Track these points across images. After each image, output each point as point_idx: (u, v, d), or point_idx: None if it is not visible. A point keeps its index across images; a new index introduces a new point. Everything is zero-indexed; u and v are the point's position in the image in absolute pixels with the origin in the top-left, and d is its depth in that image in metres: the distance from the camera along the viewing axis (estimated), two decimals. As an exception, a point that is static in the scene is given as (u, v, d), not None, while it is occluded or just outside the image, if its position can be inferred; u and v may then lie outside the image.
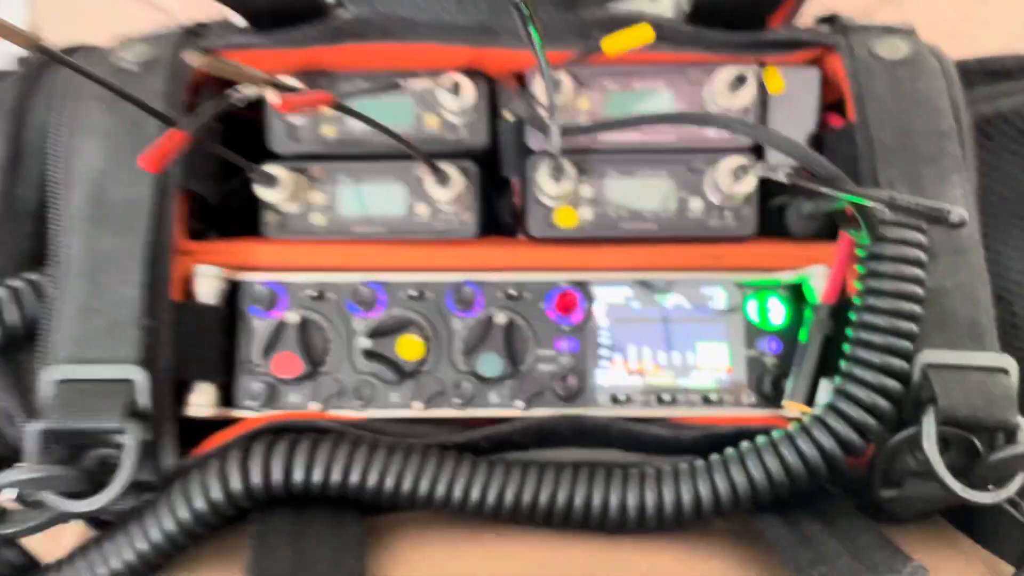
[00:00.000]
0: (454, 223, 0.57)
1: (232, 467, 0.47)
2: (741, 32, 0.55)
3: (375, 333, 0.54)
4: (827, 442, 0.46)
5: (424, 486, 0.47)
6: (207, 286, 0.53)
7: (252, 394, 0.54)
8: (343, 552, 0.47)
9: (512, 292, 0.55)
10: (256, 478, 0.47)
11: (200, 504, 0.46)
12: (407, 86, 0.55)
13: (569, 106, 0.56)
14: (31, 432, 0.46)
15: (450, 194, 0.55)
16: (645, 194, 0.57)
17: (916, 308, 0.47)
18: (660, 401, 0.54)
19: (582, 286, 0.55)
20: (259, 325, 0.54)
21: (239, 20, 0.59)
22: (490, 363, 0.53)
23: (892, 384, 0.46)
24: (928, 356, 0.47)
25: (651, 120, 0.50)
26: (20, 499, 0.48)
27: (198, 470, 0.47)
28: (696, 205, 0.56)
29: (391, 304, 0.55)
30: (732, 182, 0.54)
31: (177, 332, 0.50)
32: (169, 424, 0.49)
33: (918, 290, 0.47)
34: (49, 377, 0.48)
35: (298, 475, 0.47)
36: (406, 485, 0.47)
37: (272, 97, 0.40)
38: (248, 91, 0.43)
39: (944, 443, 0.47)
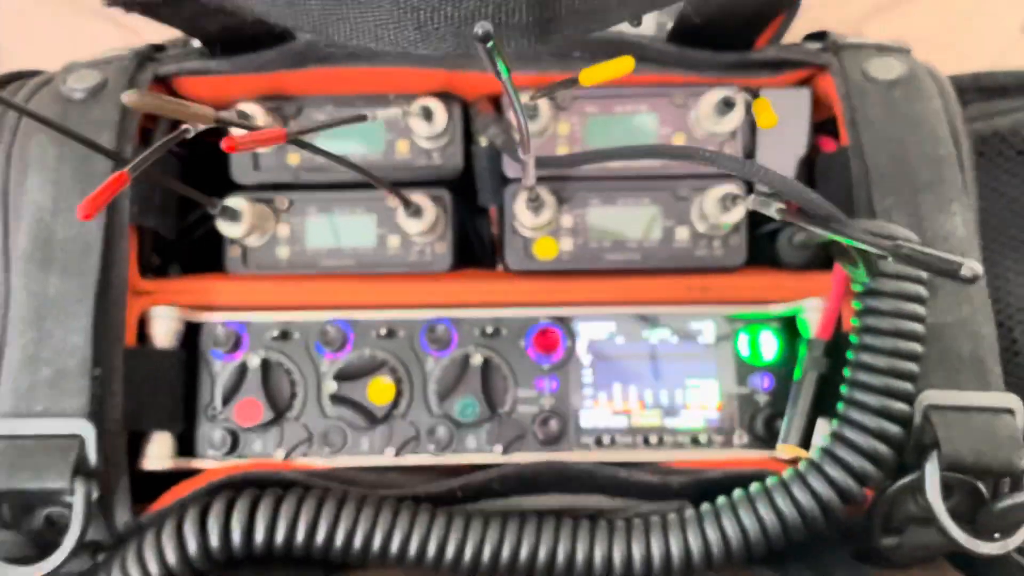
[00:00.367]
0: (427, 255, 0.54)
1: (189, 528, 0.44)
2: (728, 52, 0.52)
3: (344, 376, 0.51)
4: (824, 491, 0.43)
5: (395, 544, 0.44)
6: (163, 328, 0.50)
7: (213, 443, 0.50)
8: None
9: (489, 329, 0.52)
10: (215, 540, 0.44)
11: (155, 569, 0.43)
12: (374, 116, 0.52)
13: (548, 131, 0.53)
14: (-30, 494, 0.43)
15: (422, 225, 0.52)
16: (629, 223, 0.54)
17: (917, 347, 0.44)
18: (647, 443, 0.51)
19: (563, 322, 0.52)
20: (220, 369, 0.51)
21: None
22: (467, 406, 0.50)
23: (892, 428, 0.44)
24: (930, 397, 0.45)
25: (632, 153, 0.47)
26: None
27: (153, 531, 0.44)
28: (683, 234, 0.54)
29: (361, 344, 0.52)
30: (720, 212, 0.51)
31: (131, 380, 0.47)
32: (122, 480, 0.46)
33: (918, 328, 0.44)
34: (-9, 433, 0.44)
35: (260, 535, 0.44)
36: (376, 543, 0.44)
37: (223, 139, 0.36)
38: (197, 125, 0.40)
39: (947, 489, 0.44)
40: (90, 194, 0.35)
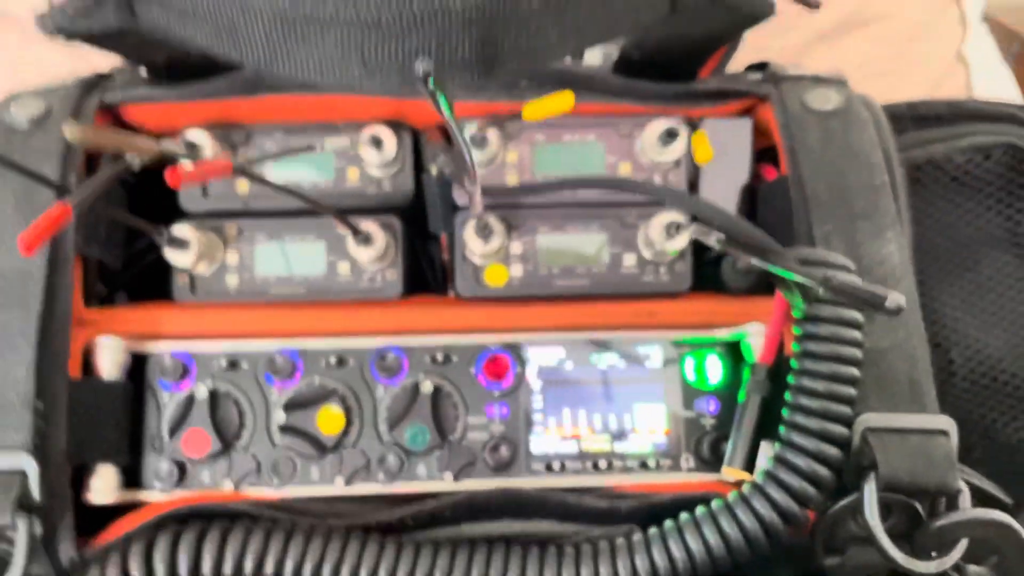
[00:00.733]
0: (378, 282, 0.54)
1: (134, 565, 0.43)
2: (671, 83, 0.53)
3: (293, 405, 0.51)
4: (767, 513, 0.44)
5: (345, 575, 0.44)
6: (109, 360, 0.49)
7: (160, 475, 0.50)
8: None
9: (439, 357, 0.52)
10: (161, 575, 0.43)
11: (99, 606, 0.43)
12: (322, 146, 0.52)
13: (497, 159, 0.54)
14: (-95, 532, 0.42)
15: (373, 252, 0.53)
16: (578, 249, 0.55)
17: (854, 371, 0.45)
18: (596, 468, 0.52)
19: (513, 348, 0.53)
20: (167, 399, 0.51)
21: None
22: (417, 434, 0.50)
23: (831, 451, 0.45)
24: (868, 420, 0.46)
25: (577, 184, 0.48)
26: None
27: (97, 568, 0.43)
28: (630, 260, 0.55)
29: (310, 373, 0.52)
30: (665, 238, 0.52)
31: (75, 412, 0.46)
32: (66, 515, 0.45)
33: (856, 352, 0.46)
34: (-71, 468, 0.43)
35: (207, 569, 0.43)
36: (325, 574, 0.44)
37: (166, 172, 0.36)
38: (140, 158, 0.40)
39: (886, 509, 0.45)
40: (29, 227, 0.35)
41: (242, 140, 0.54)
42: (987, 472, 0.55)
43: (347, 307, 0.54)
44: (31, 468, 0.43)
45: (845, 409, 0.45)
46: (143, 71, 0.56)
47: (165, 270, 0.54)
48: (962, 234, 0.61)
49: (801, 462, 0.45)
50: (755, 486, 0.45)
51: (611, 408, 0.53)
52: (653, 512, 0.48)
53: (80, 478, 0.48)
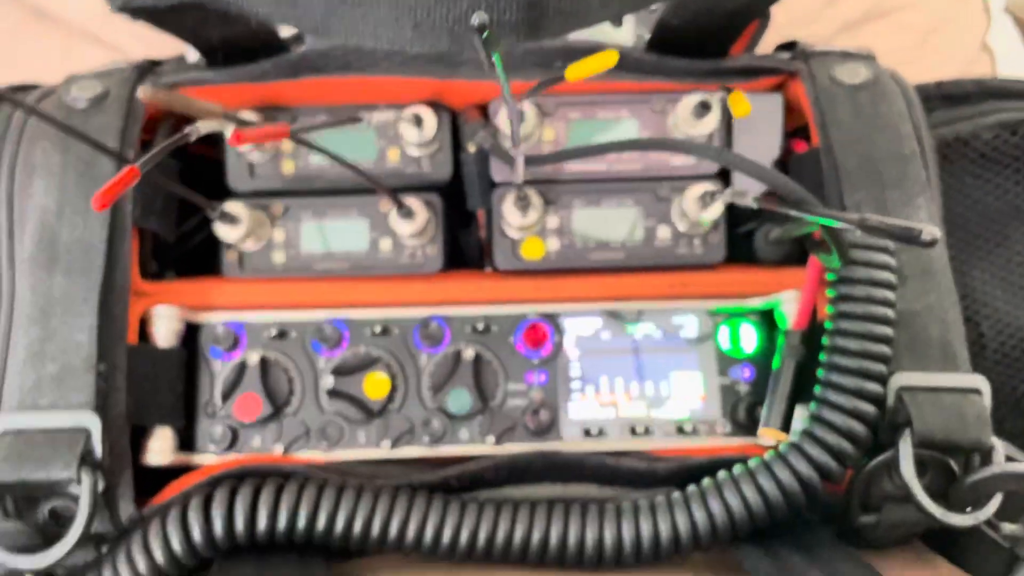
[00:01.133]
0: (419, 257, 0.56)
1: (193, 516, 0.45)
2: (703, 60, 0.55)
3: (340, 371, 0.52)
4: (804, 469, 0.45)
5: (394, 529, 0.45)
6: (165, 328, 0.51)
7: (213, 438, 0.52)
8: (310, 601, 0.45)
9: (480, 326, 0.54)
10: (218, 527, 0.45)
11: (160, 556, 0.44)
12: (369, 119, 0.54)
13: (533, 136, 0.56)
14: (-23, 486, 0.44)
15: (414, 228, 0.54)
16: (612, 223, 0.56)
17: (888, 331, 0.47)
18: (634, 433, 0.53)
19: (551, 318, 0.54)
20: (219, 367, 0.53)
21: (194, 56, 0.58)
22: (459, 399, 0.52)
23: (867, 408, 0.46)
24: (902, 379, 0.47)
25: (617, 147, 0.49)
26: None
27: (157, 520, 0.45)
28: (664, 233, 0.56)
29: (356, 342, 0.53)
30: (699, 209, 0.54)
31: (133, 376, 0.48)
32: (126, 473, 0.47)
33: (889, 312, 0.47)
34: (-2, 427, 0.45)
35: (262, 523, 0.45)
36: (375, 529, 0.45)
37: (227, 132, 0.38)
38: (204, 126, 0.42)
39: (921, 466, 0.46)
40: (103, 187, 0.37)
41: (288, 121, 0.56)
42: (1020, 445, 0.55)
43: (390, 280, 0.55)
44: (95, 426, 0.45)
45: (880, 367, 0.46)
46: (190, 57, 0.58)
47: (210, 252, 0.56)
48: (991, 209, 0.62)
49: (838, 419, 0.46)
50: (792, 444, 0.47)
51: (648, 376, 0.54)
52: (691, 474, 0.49)
53: (137, 442, 0.50)
